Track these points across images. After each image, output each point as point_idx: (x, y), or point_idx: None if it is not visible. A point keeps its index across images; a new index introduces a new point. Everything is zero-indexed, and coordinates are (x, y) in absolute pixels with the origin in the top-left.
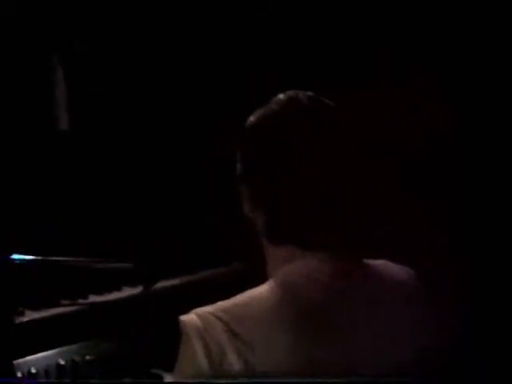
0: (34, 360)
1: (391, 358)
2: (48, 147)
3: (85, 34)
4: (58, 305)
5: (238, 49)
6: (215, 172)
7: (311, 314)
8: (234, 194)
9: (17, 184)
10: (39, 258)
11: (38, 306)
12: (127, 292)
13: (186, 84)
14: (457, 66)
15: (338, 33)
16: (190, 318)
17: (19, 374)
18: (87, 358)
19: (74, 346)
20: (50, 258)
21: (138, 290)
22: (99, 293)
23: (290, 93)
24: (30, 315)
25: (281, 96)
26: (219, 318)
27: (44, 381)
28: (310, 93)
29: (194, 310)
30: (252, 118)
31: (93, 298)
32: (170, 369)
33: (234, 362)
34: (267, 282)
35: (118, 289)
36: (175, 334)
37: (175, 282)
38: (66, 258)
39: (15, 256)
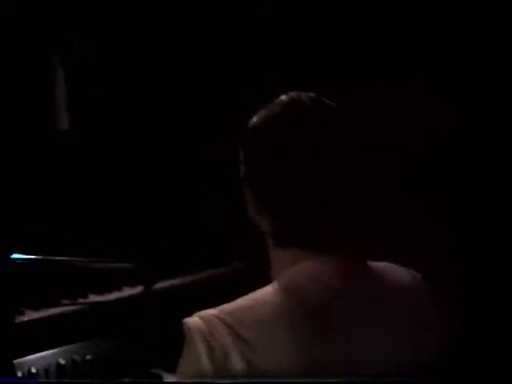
0: (34, 359)
1: (394, 358)
2: (48, 147)
3: (85, 33)
4: (58, 304)
5: (238, 49)
6: (215, 172)
7: (315, 316)
8: (234, 194)
9: (17, 184)
10: (39, 257)
11: (38, 306)
12: (127, 292)
13: (186, 84)
14: (457, 65)
15: (337, 33)
16: (193, 320)
17: (19, 374)
18: (87, 357)
19: (74, 346)
20: (50, 258)
21: (138, 289)
22: (99, 292)
23: (293, 94)
24: (30, 315)
25: (283, 97)
26: (223, 321)
27: (44, 380)
28: (312, 94)
29: (197, 313)
30: (255, 119)
31: (93, 298)
32: (169, 369)
33: (237, 365)
34: (271, 284)
35: (118, 289)
36: (175, 334)
37: (175, 282)
38: (66, 258)
39: (15, 255)
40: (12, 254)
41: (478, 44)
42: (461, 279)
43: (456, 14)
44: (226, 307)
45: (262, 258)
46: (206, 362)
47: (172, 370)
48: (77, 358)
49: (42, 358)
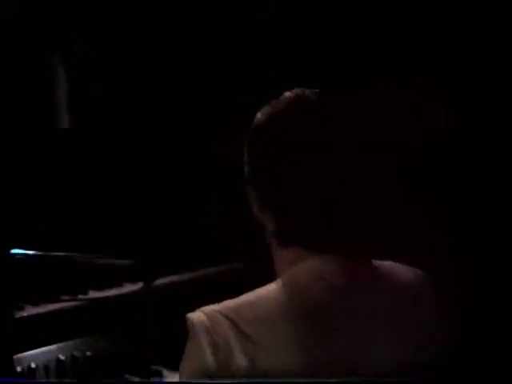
0: (34, 355)
1: (394, 358)
2: (49, 145)
3: (85, 33)
4: (58, 300)
5: (238, 49)
6: (215, 172)
7: (317, 315)
8: (234, 194)
9: (18, 180)
10: (40, 253)
11: (38, 302)
12: (127, 288)
13: (186, 84)
14: (457, 65)
15: (337, 33)
16: (197, 315)
17: (19, 369)
18: (87, 353)
19: (73, 342)
20: (50, 254)
21: (139, 286)
22: (99, 289)
23: (297, 90)
24: (30, 310)
25: (287, 94)
26: (226, 317)
27: (44, 380)
28: (316, 90)
29: (201, 308)
30: (259, 116)
31: (93, 294)
32: (170, 365)
33: (240, 361)
34: (274, 282)
35: (119, 285)
36: (175, 330)
37: (175, 278)
38: (66, 254)
39: (16, 251)
40: (12, 249)
41: (478, 44)
42: (461, 279)
43: (456, 14)
44: (230, 303)
45: (261, 258)
46: (209, 358)
47: (172, 366)
48: (77, 353)
49: (42, 353)
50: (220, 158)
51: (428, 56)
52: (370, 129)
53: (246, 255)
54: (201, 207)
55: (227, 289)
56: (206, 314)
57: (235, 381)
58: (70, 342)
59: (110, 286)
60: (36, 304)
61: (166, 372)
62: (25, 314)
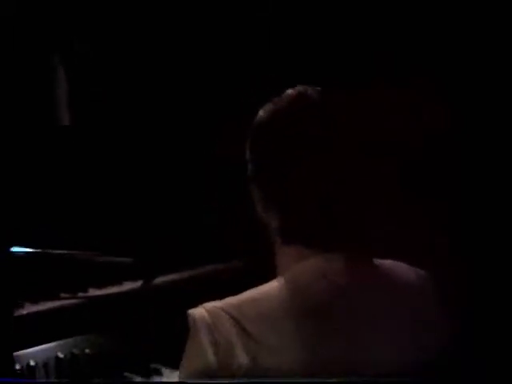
0: (34, 353)
1: (394, 358)
2: (49, 142)
3: (85, 33)
4: (58, 298)
5: (238, 48)
6: (215, 172)
7: (319, 313)
8: (233, 192)
9: (18, 178)
10: (39, 250)
11: (38, 299)
12: (127, 286)
13: (186, 83)
14: (457, 65)
15: (337, 33)
16: (199, 312)
17: (18, 367)
18: (86, 351)
19: (73, 340)
20: (50, 251)
21: (138, 284)
22: (99, 286)
23: (299, 88)
24: (29, 308)
25: (290, 91)
26: (228, 314)
27: (44, 380)
28: (318, 88)
29: (202, 305)
30: (261, 113)
31: (93, 292)
32: (169, 363)
33: (242, 359)
34: (276, 279)
35: (119, 283)
36: (175, 328)
37: (175, 277)
38: (66, 252)
39: (15, 248)
40: (12, 247)
41: (478, 44)
42: (461, 279)
43: (456, 14)
44: (232, 300)
45: (261, 256)
46: (210, 357)
47: (171, 364)
48: (76, 351)
49: (41, 351)
50: (220, 157)
51: (428, 56)
52: (371, 128)
53: (245, 254)
54: (201, 206)
55: (227, 287)
56: (208, 311)
57: (235, 381)
58: (69, 340)
59: (110, 284)
60: (35, 302)
61: (165, 370)
62: (24, 311)
